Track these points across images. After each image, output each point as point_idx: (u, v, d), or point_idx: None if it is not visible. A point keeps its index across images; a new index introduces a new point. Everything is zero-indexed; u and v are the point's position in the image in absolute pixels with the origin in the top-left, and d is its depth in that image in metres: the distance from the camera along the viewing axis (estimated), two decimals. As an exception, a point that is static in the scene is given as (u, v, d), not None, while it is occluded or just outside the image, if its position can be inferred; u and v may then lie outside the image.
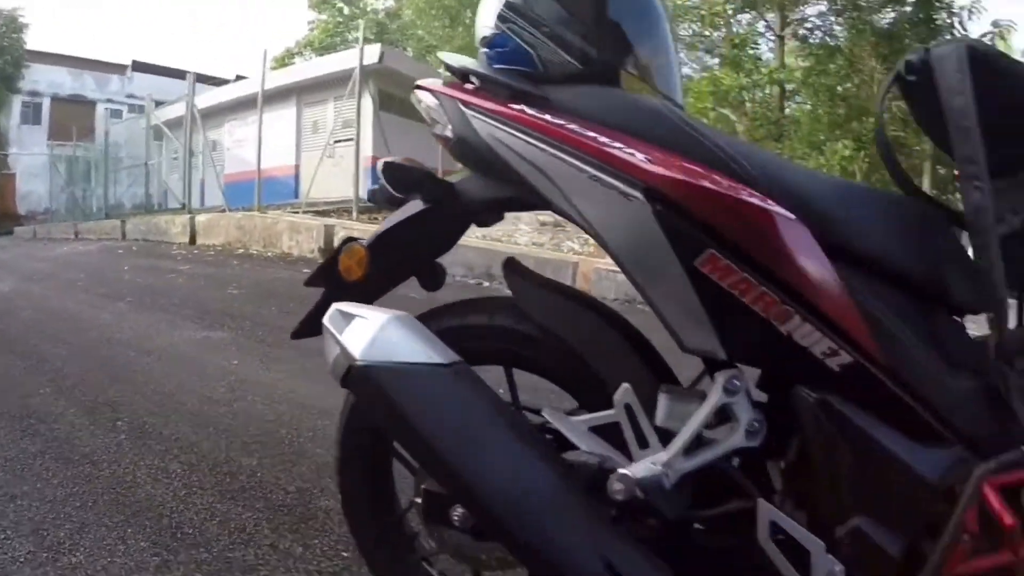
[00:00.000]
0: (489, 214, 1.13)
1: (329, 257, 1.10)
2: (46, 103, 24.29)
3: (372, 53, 11.72)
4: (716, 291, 0.83)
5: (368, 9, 28.32)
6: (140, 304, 5.35)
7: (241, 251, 9.17)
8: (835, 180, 1.08)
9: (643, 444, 0.91)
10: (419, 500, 1.05)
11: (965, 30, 12.79)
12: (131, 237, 12.49)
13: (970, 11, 12.70)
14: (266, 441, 2.38)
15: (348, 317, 0.94)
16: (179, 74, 22.31)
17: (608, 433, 0.93)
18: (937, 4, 12.58)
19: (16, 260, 9.98)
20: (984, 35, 12.53)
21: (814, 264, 0.82)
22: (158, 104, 15.90)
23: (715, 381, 0.88)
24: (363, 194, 10.35)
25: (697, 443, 0.89)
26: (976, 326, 0.94)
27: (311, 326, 1.16)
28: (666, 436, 0.90)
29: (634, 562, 0.86)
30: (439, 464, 0.90)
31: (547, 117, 0.92)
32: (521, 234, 7.52)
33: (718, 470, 0.91)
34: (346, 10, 28.24)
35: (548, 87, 0.96)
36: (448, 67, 1.09)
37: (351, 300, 1.03)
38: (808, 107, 13.80)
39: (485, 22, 1.05)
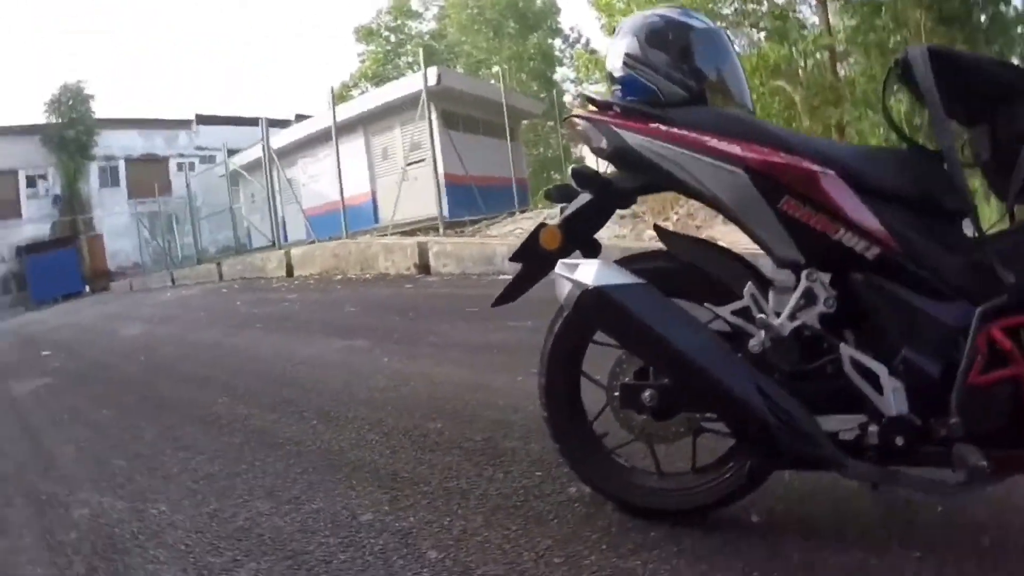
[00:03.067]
0: (629, 199, 1.67)
1: (528, 238, 1.63)
2: (121, 165, 26.00)
3: (431, 76, 12.21)
4: (792, 221, 1.38)
5: (413, 33, 29.12)
6: (269, 328, 5.74)
7: (339, 276, 9.63)
8: (858, 146, 1.61)
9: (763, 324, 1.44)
10: (617, 394, 1.59)
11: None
12: (228, 277, 13.10)
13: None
14: (441, 411, 2.73)
15: (572, 266, 1.50)
16: (241, 122, 23.28)
17: (743, 316, 1.47)
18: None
19: (130, 309, 10.58)
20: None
21: (846, 197, 1.35)
22: (231, 152, 16.73)
23: (801, 277, 1.41)
24: (444, 211, 10.86)
25: (797, 312, 1.43)
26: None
27: (511, 294, 1.73)
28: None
29: (771, 385, 1.39)
30: (650, 343, 1.43)
31: (674, 130, 1.47)
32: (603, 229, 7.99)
33: (813, 334, 1.45)
34: (392, 38, 29.17)
35: (669, 110, 1.51)
36: (591, 100, 1.66)
37: (546, 268, 1.60)
38: (860, 67, 13.67)
39: (613, 65, 1.62)
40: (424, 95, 11.20)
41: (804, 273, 1.41)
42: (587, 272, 1.47)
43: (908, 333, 1.37)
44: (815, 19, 14.37)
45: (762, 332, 1.44)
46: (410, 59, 27.56)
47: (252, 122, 17.06)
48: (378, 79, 26.10)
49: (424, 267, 8.67)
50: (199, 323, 7.08)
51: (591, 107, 1.66)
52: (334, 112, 12.60)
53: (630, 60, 1.57)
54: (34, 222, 24.56)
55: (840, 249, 1.37)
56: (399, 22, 30.47)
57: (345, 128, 13.55)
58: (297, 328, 5.55)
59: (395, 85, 15.02)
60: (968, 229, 1.40)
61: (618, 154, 1.54)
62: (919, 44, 1.41)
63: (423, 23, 31.30)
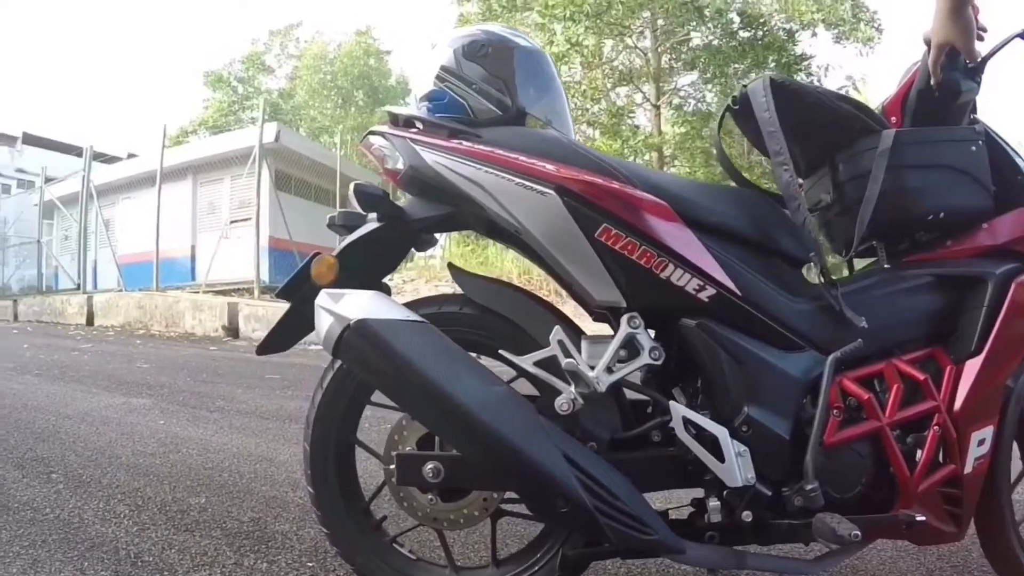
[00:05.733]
0: (427, 233, 1.42)
1: (298, 270, 1.32)
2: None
3: (269, 132, 11.80)
4: (612, 254, 1.16)
5: (263, 89, 28.41)
6: (49, 376, 5.17)
7: (142, 331, 9.03)
8: (692, 180, 1.46)
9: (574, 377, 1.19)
10: (393, 467, 1.26)
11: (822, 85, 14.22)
12: (24, 318, 12.10)
13: (826, 69, 14.26)
14: (210, 483, 2.40)
15: (337, 296, 1.19)
16: (71, 149, 21.25)
17: (549, 368, 1.21)
18: (796, 67, 13.61)
19: None
20: (840, 88, 13.93)
21: (676, 229, 1.16)
22: (49, 180, 15.29)
23: (620, 323, 1.19)
24: (263, 274, 10.28)
25: (615, 365, 1.19)
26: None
27: (278, 340, 1.40)
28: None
29: (584, 455, 1.13)
30: (421, 395, 1.13)
31: (478, 147, 1.23)
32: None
33: (636, 391, 1.24)
34: (240, 89, 28.25)
35: (478, 128, 1.28)
36: (392, 115, 1.39)
37: None
38: (686, 169, 14.67)
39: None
40: (258, 149, 10.71)
41: (625, 318, 1.19)
42: (353, 304, 1.17)
43: (751, 389, 1.19)
44: (650, 126, 15.23)
45: (571, 387, 1.18)
46: (254, 113, 26.42)
47: (82, 152, 15.57)
48: (217, 129, 24.76)
49: (233, 330, 8.29)
50: (-26, 364, 6.29)
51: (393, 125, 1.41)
52: (162, 152, 11.71)
53: (443, 73, 1.36)
54: None
55: (669, 290, 1.17)
56: (250, 73, 29.48)
57: (173, 174, 12.72)
58: (80, 380, 5.02)
59: (232, 136, 14.37)
60: (810, 276, 1.28)
61: (414, 175, 1.28)
62: (761, 76, 1.30)
63: (274, 79, 30.60)
